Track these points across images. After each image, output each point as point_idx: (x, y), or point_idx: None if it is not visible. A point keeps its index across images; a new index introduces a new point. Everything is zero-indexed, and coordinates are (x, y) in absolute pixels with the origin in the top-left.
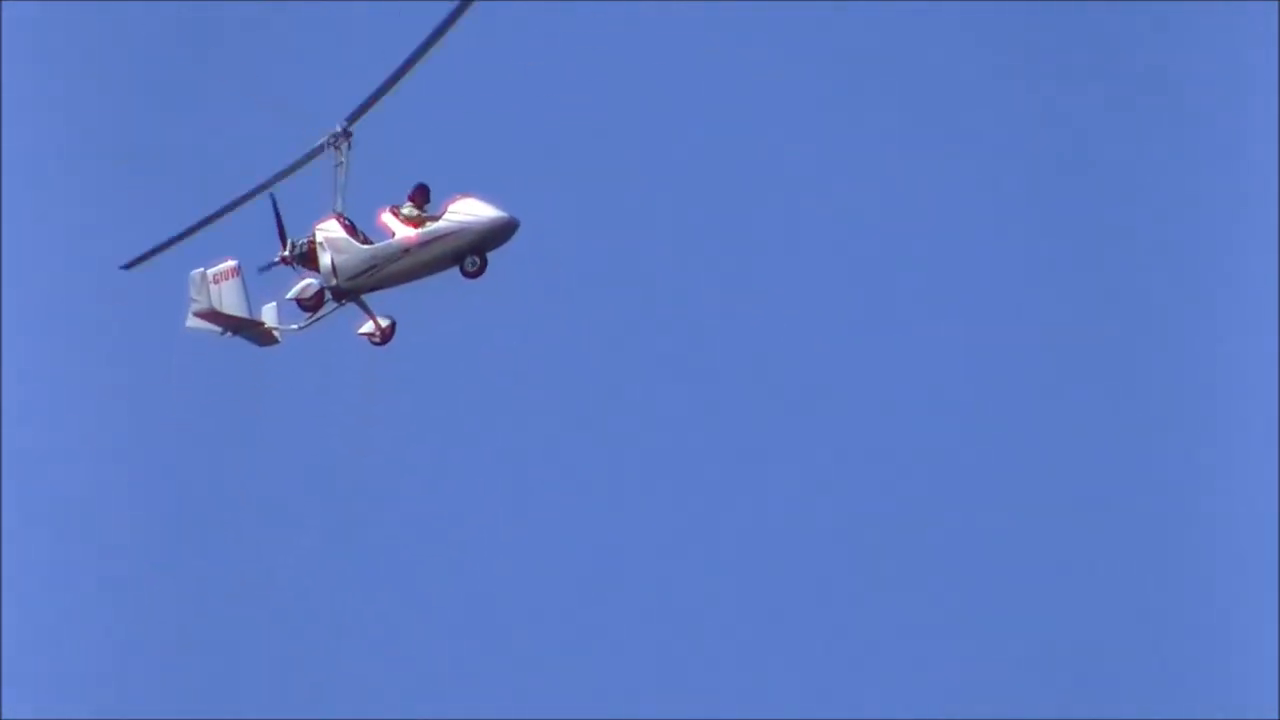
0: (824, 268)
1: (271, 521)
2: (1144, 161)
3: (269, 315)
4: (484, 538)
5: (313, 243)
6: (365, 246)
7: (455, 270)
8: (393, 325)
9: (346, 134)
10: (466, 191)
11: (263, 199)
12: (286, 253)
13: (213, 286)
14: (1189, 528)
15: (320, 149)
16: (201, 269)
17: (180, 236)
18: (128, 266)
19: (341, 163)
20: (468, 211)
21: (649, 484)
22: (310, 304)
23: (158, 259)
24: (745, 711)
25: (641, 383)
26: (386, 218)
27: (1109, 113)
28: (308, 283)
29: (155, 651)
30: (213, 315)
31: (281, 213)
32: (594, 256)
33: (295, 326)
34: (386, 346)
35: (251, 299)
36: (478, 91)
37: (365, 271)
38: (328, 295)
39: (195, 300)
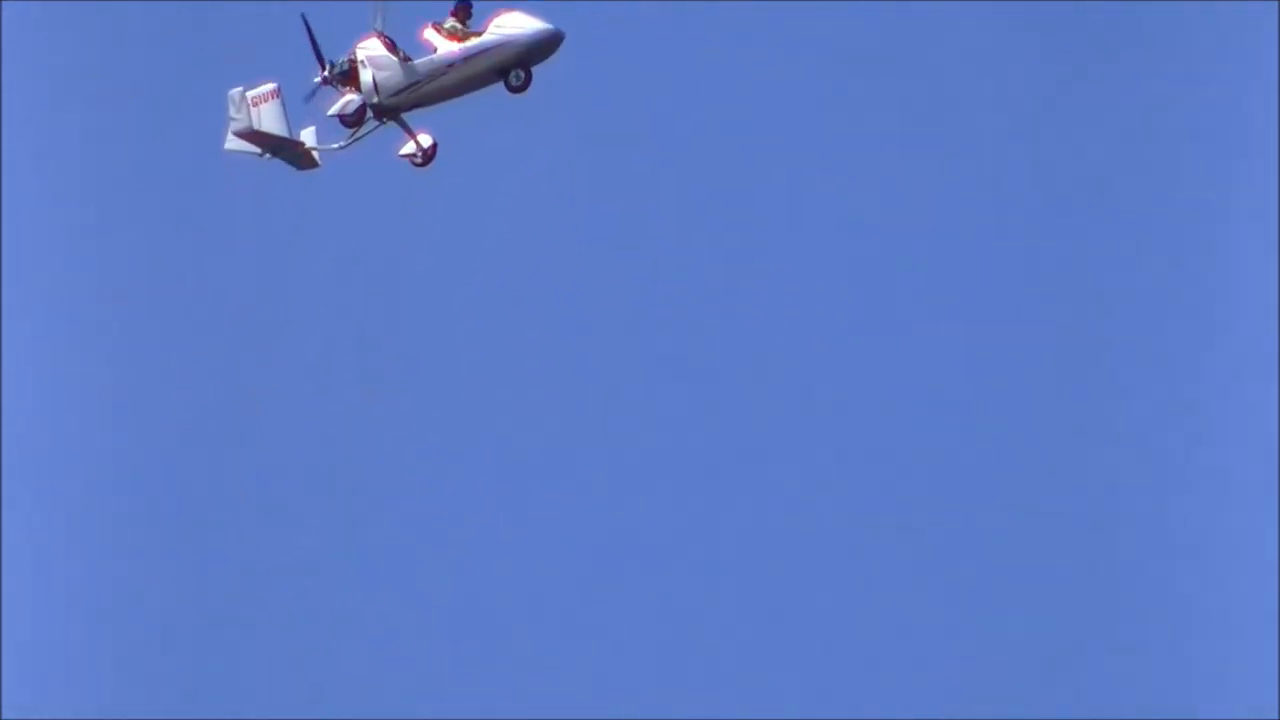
0: (827, 260)
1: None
2: (1144, 161)
3: (308, 137)
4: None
5: (354, 61)
6: (407, 62)
7: (500, 85)
8: (435, 145)
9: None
10: (510, 5)
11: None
12: (327, 73)
13: (252, 108)
14: (1189, 527)
15: None
16: (240, 88)
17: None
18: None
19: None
20: (512, 25)
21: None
22: (352, 120)
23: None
24: (744, 711)
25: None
26: (429, 33)
27: (1109, 112)
28: (350, 98)
29: (156, 648)
30: (252, 135)
31: (315, 33)
32: (636, 73)
33: (336, 145)
34: (429, 168)
35: (292, 122)
36: None
37: (408, 88)
38: (369, 114)
39: (234, 119)
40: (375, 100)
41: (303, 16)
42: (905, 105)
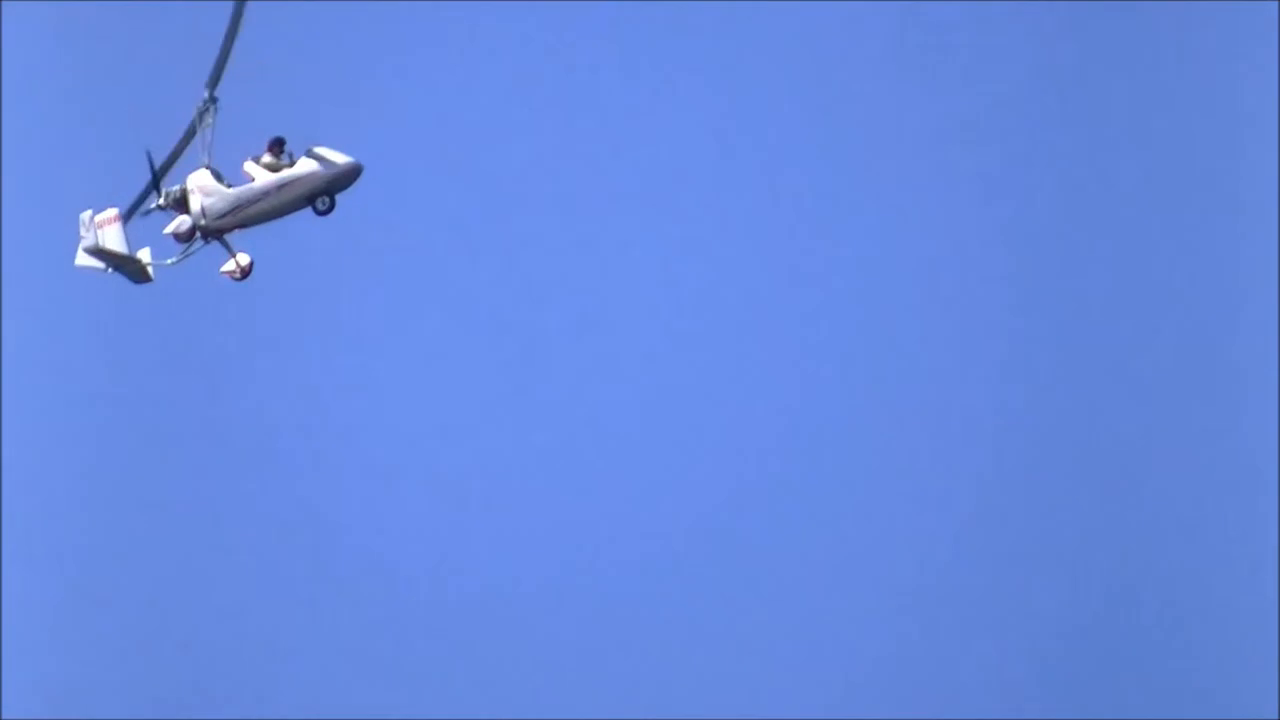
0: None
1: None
2: (1144, 161)
3: (145, 255)
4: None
5: (185, 189)
6: (230, 190)
7: (309, 210)
8: (251, 263)
9: (212, 99)
10: (317, 142)
11: (140, 157)
12: (162, 200)
13: (98, 230)
14: (1189, 527)
15: (197, 119)
16: (90, 210)
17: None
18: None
19: (209, 124)
20: (318, 160)
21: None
22: (184, 237)
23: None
24: (744, 710)
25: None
26: (248, 166)
27: (1108, 113)
28: (182, 219)
29: (156, 649)
30: (98, 252)
31: (156, 167)
32: (435, 196)
33: (169, 261)
34: (245, 281)
35: (131, 243)
36: (324, 56)
37: (230, 212)
38: (198, 234)
39: (84, 238)
40: (203, 222)
41: (147, 154)
42: (904, 105)
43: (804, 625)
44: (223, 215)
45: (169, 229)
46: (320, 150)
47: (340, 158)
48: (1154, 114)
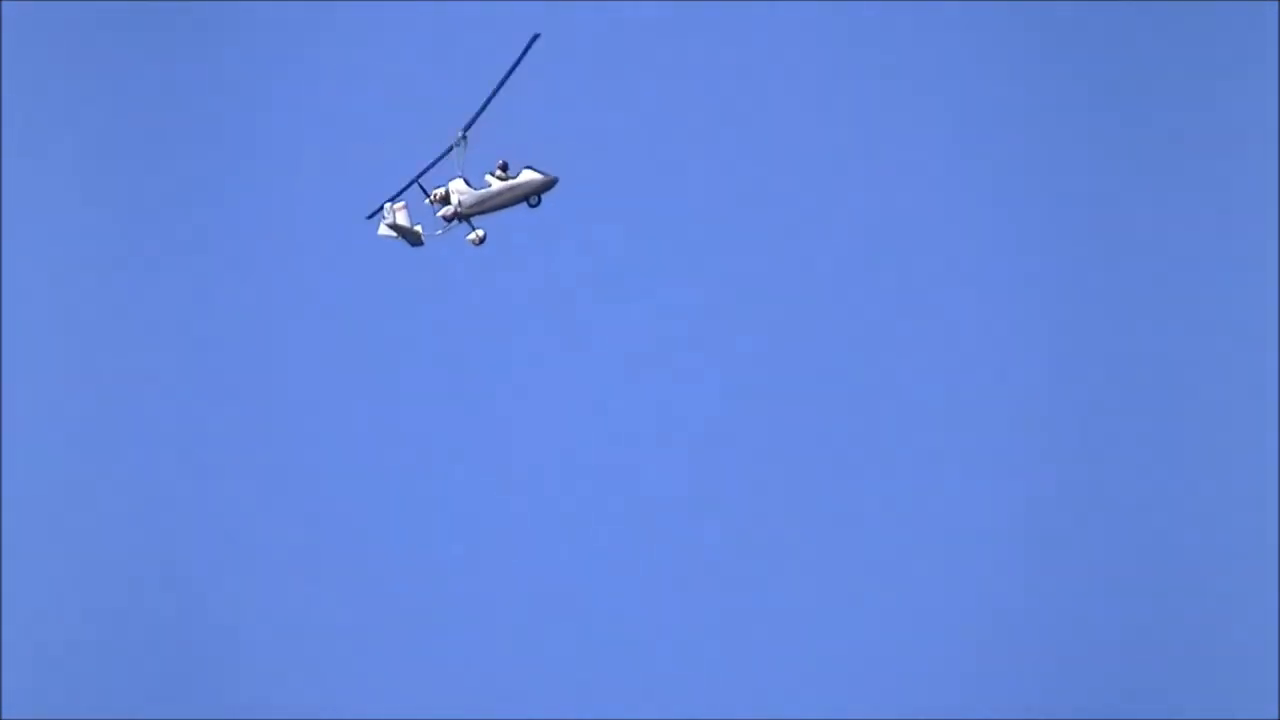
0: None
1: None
2: (1144, 161)
3: (419, 229)
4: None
5: (447, 190)
6: (476, 191)
7: (524, 205)
8: (484, 235)
9: (464, 135)
10: (529, 163)
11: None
12: (431, 197)
13: (394, 213)
14: (1189, 527)
15: (450, 147)
16: (389, 202)
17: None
18: (369, 216)
19: (461, 150)
20: (529, 174)
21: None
22: (447, 218)
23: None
24: (745, 711)
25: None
26: (488, 177)
27: (1108, 113)
28: (446, 209)
29: (155, 649)
30: (393, 227)
31: (423, 183)
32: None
33: (437, 233)
34: (481, 246)
35: (412, 221)
36: (543, 104)
37: (476, 205)
38: (455, 218)
39: (384, 218)
40: (460, 210)
41: (417, 180)
42: (903, 107)
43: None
44: (470, 207)
45: (440, 212)
46: (530, 170)
47: (542, 175)
48: (1154, 114)
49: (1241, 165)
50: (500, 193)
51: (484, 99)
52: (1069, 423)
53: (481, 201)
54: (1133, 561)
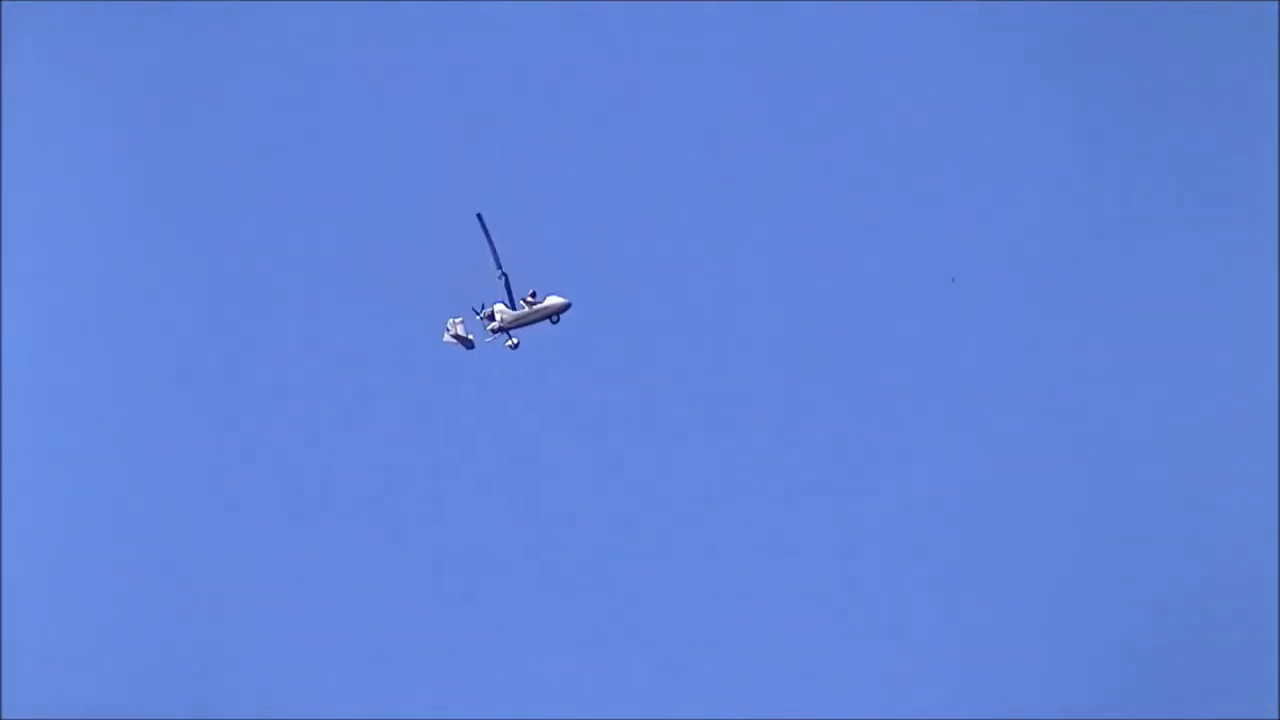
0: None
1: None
2: (1143, 161)
3: (475, 337)
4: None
5: (494, 309)
6: (513, 312)
7: (547, 323)
8: (518, 343)
9: (503, 274)
10: (551, 292)
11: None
12: (483, 314)
13: (455, 326)
14: (1190, 527)
15: (497, 277)
16: (452, 318)
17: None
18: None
19: (503, 281)
20: (552, 300)
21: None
22: (494, 330)
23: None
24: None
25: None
26: (520, 302)
27: (1108, 113)
28: (492, 326)
29: (155, 649)
30: (455, 337)
31: (497, 294)
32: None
33: (487, 340)
34: (516, 350)
35: (469, 330)
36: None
37: (513, 322)
38: (498, 330)
39: (448, 330)
40: (499, 324)
41: (473, 307)
42: (902, 108)
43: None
44: (509, 324)
45: (490, 326)
46: (553, 296)
47: (562, 300)
48: (1154, 114)
49: (1241, 165)
50: (530, 314)
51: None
52: (1069, 425)
53: (517, 319)
54: (1133, 561)
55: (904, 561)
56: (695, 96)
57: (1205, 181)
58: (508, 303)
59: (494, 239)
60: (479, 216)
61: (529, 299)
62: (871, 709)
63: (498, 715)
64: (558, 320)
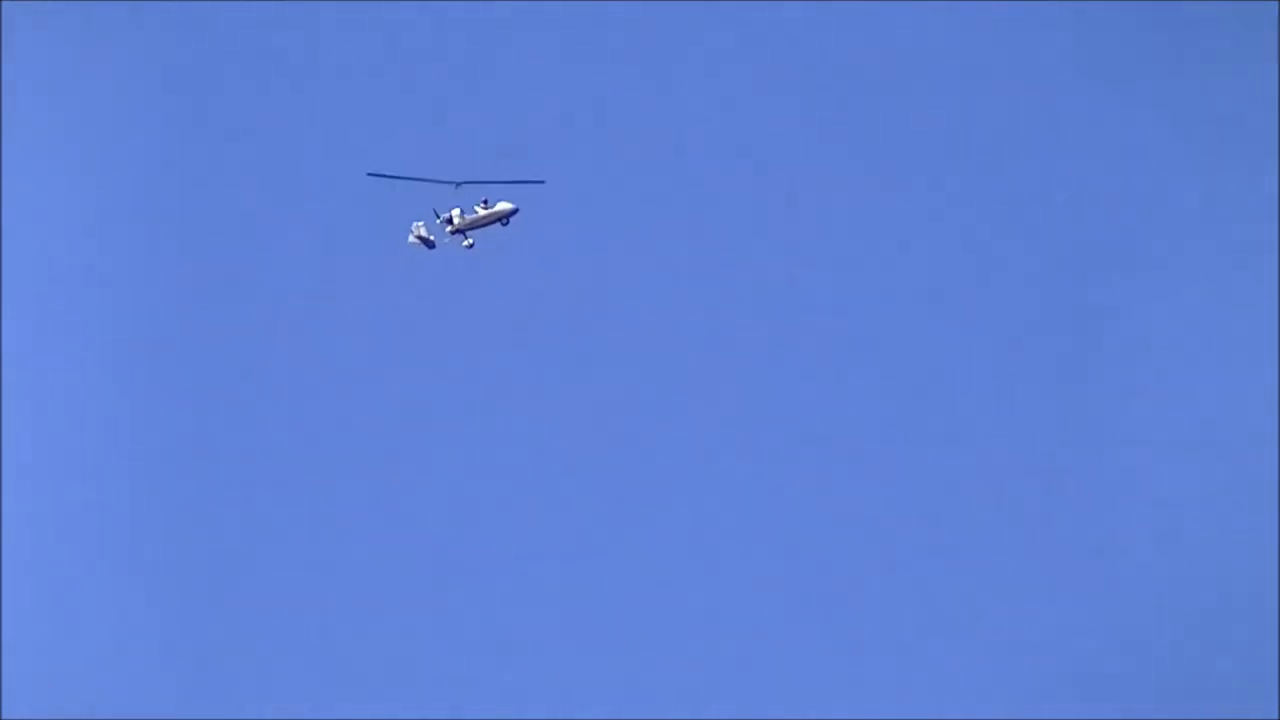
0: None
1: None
2: (1143, 161)
3: (436, 238)
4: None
5: (451, 215)
6: (469, 217)
7: (497, 226)
8: (473, 243)
9: (457, 186)
10: (501, 198)
11: (447, 192)
12: (442, 218)
13: (419, 229)
14: (1190, 528)
15: (452, 188)
16: (415, 222)
17: (410, 178)
18: (372, 174)
19: (455, 192)
20: (502, 205)
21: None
22: (452, 231)
23: (388, 184)
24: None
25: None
26: (477, 206)
27: (1108, 113)
28: (450, 228)
29: (155, 649)
30: (418, 238)
31: (439, 214)
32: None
33: (445, 241)
34: (470, 249)
35: (430, 232)
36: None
37: (469, 225)
38: (455, 232)
39: (412, 232)
40: (456, 227)
41: (434, 209)
42: (904, 109)
43: None
44: (465, 226)
45: (449, 229)
46: (503, 202)
47: (510, 205)
48: (1153, 114)
49: (1242, 165)
50: (483, 217)
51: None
52: (1068, 424)
53: (472, 222)
54: (1133, 561)
55: (902, 561)
56: (693, 95)
57: (1205, 181)
58: (462, 210)
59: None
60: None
61: (482, 205)
62: (871, 709)
63: (496, 716)
64: (507, 223)
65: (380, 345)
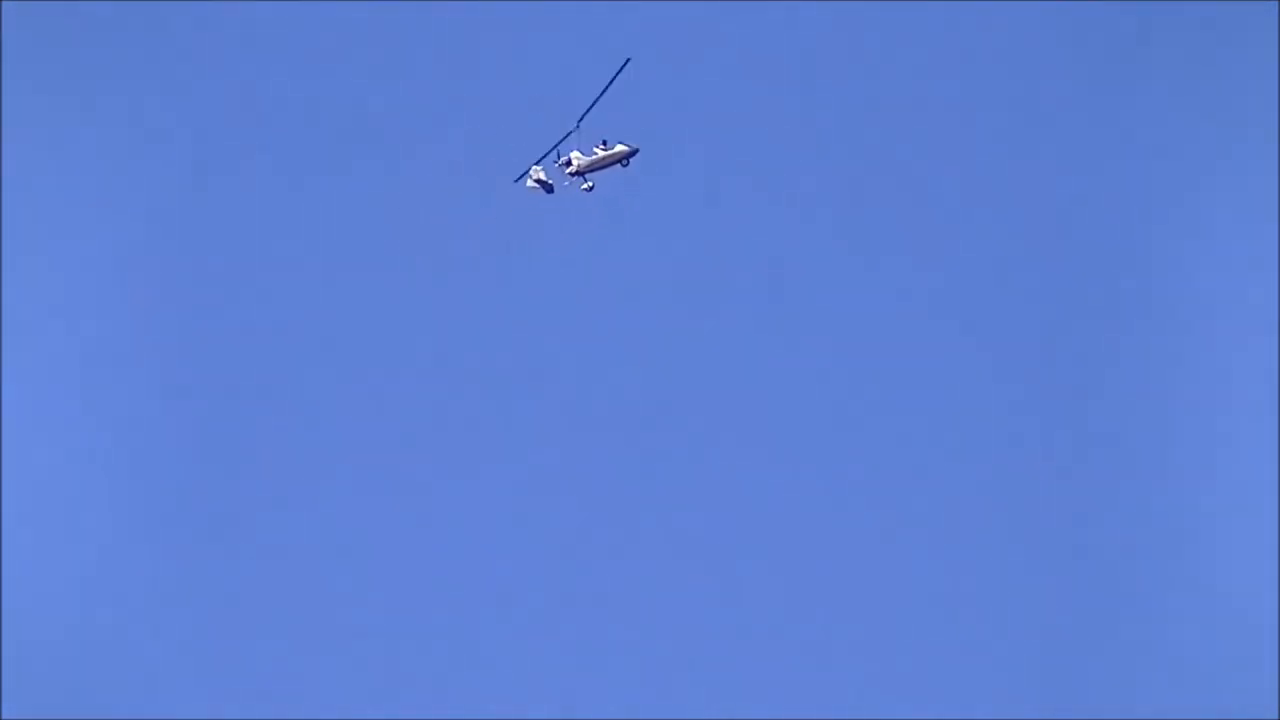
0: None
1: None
2: (1143, 161)
3: (554, 182)
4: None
5: (570, 158)
6: (587, 157)
7: (618, 167)
8: (593, 185)
9: (578, 125)
10: (622, 139)
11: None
12: (561, 162)
13: (537, 172)
14: (1190, 528)
15: (569, 132)
16: (535, 164)
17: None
18: (517, 180)
19: (576, 134)
20: (621, 146)
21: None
22: (572, 173)
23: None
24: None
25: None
26: (595, 148)
27: (1109, 113)
28: (570, 167)
29: (154, 649)
30: (539, 181)
31: (551, 148)
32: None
33: (565, 185)
34: (591, 191)
35: (549, 176)
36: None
37: (587, 166)
38: (576, 174)
39: (529, 175)
40: (576, 169)
41: (553, 149)
42: (904, 108)
43: None
44: (585, 168)
45: (569, 169)
46: (620, 144)
47: (630, 145)
48: (1154, 113)
49: (1241, 165)
50: (603, 158)
51: (590, 103)
52: (1067, 425)
53: (591, 164)
54: (1133, 560)
55: (902, 561)
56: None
57: (1205, 181)
58: (582, 150)
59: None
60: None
61: (600, 146)
62: (870, 709)
63: (496, 716)
64: (628, 164)
65: (383, 347)
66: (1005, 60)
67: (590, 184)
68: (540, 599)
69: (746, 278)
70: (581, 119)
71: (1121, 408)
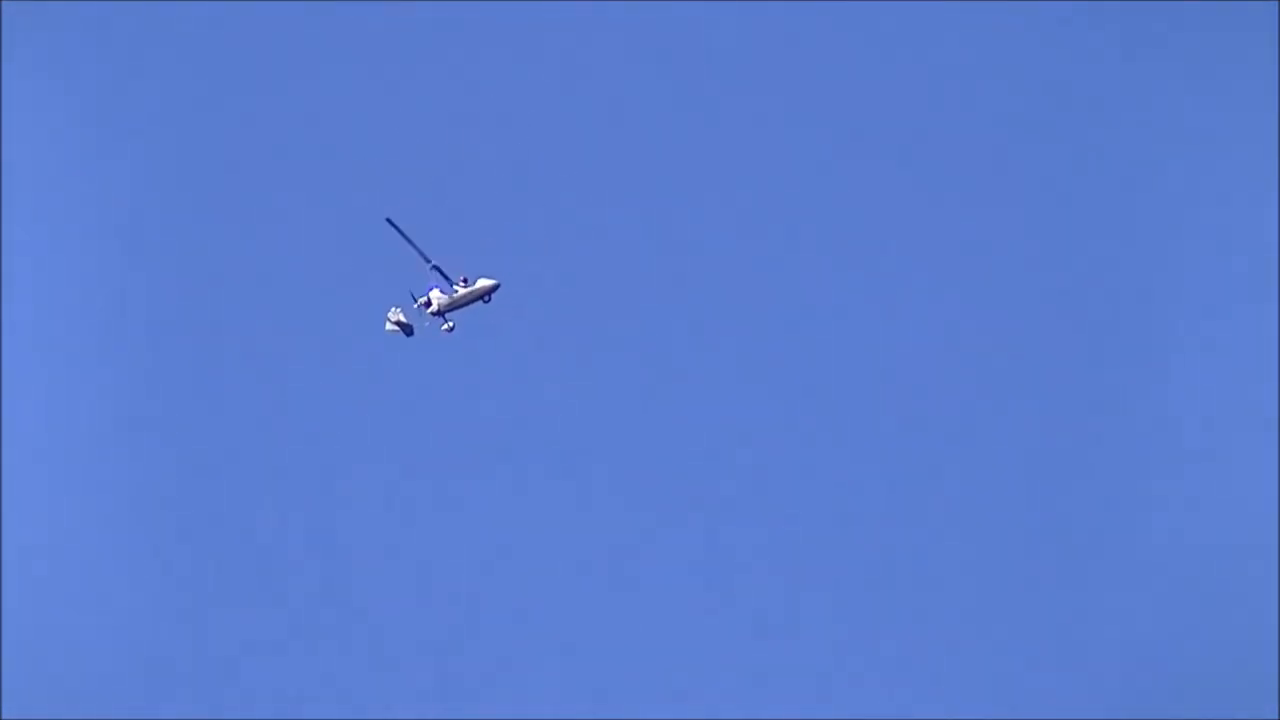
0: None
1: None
2: (1142, 161)
3: (414, 323)
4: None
5: (430, 297)
6: (448, 296)
7: (480, 304)
8: (453, 325)
9: (434, 265)
10: (483, 274)
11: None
12: (420, 301)
13: (396, 314)
14: (1190, 528)
15: (430, 269)
16: (395, 306)
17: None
18: (389, 221)
19: (435, 271)
20: (483, 281)
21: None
22: (432, 314)
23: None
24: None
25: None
26: (456, 286)
27: (1109, 113)
28: (431, 310)
29: (155, 648)
30: (396, 323)
31: (416, 298)
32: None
33: (425, 325)
34: (451, 333)
35: (409, 317)
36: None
37: (449, 306)
38: (435, 314)
39: (389, 318)
40: (436, 309)
41: (411, 293)
42: (905, 107)
43: None
44: (445, 308)
45: (429, 310)
46: (484, 279)
47: (491, 280)
48: (1154, 113)
49: (1241, 165)
50: (465, 295)
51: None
52: (1068, 425)
53: (452, 302)
54: (1133, 560)
55: (902, 561)
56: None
57: (1205, 181)
58: (443, 288)
59: (411, 239)
60: (389, 221)
61: (461, 283)
62: (871, 709)
63: (497, 716)
64: (489, 300)
65: (383, 349)
66: (1005, 60)
67: (450, 324)
68: (540, 599)
69: (746, 277)
70: (434, 266)
71: (1122, 408)
